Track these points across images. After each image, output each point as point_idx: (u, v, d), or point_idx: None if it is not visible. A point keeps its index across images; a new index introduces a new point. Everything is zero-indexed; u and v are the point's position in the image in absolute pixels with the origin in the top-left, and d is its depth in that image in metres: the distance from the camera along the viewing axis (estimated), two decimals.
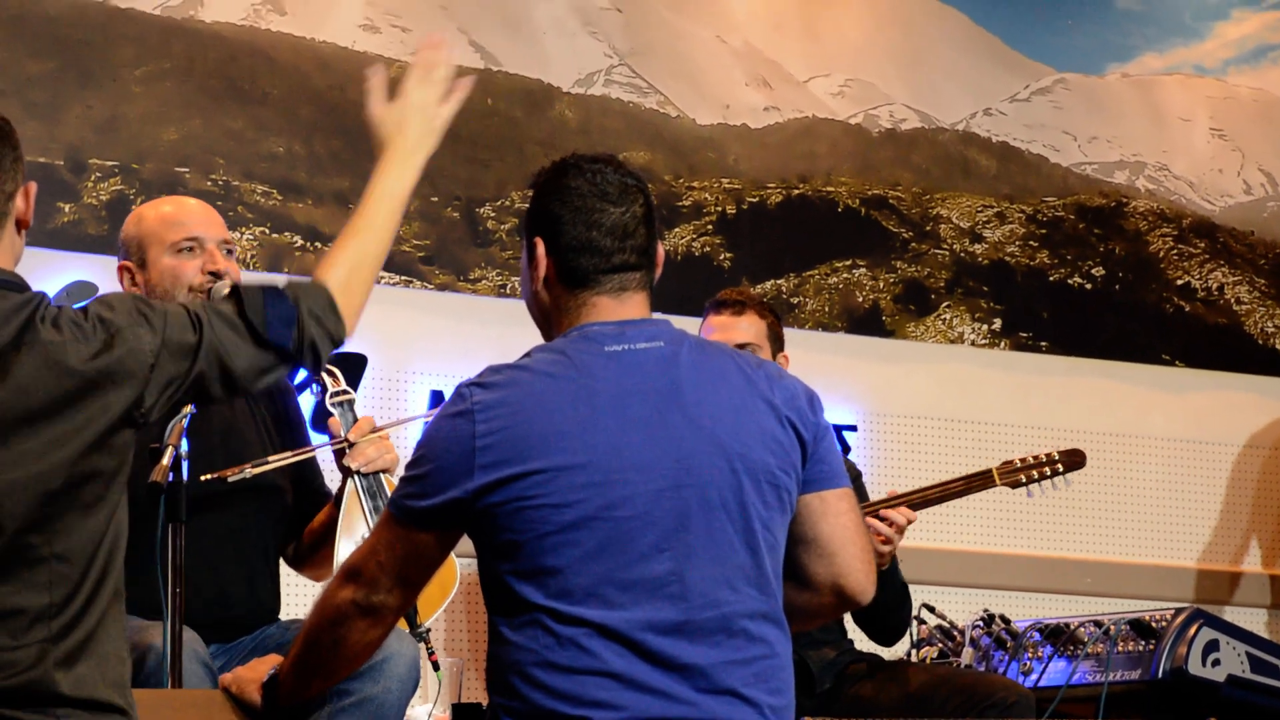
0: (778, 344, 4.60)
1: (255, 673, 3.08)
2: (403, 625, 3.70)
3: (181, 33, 5.29)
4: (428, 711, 4.17)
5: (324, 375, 3.91)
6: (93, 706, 2.58)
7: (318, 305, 2.79)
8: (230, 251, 3.88)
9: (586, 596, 2.66)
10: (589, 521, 2.67)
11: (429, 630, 3.80)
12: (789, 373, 2.89)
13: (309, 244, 5.33)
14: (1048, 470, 4.69)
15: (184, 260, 3.83)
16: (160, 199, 4.11)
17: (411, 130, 2.98)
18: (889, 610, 4.57)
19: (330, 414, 3.87)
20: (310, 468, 4.00)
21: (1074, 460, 4.71)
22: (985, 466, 4.71)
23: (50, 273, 4.92)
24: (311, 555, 3.99)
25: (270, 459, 3.79)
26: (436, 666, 3.81)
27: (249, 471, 3.72)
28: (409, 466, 2.77)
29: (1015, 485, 4.69)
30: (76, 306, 2.69)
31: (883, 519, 4.38)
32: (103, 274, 4.98)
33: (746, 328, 4.53)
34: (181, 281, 3.81)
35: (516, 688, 2.67)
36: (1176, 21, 6.63)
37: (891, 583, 4.46)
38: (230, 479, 3.71)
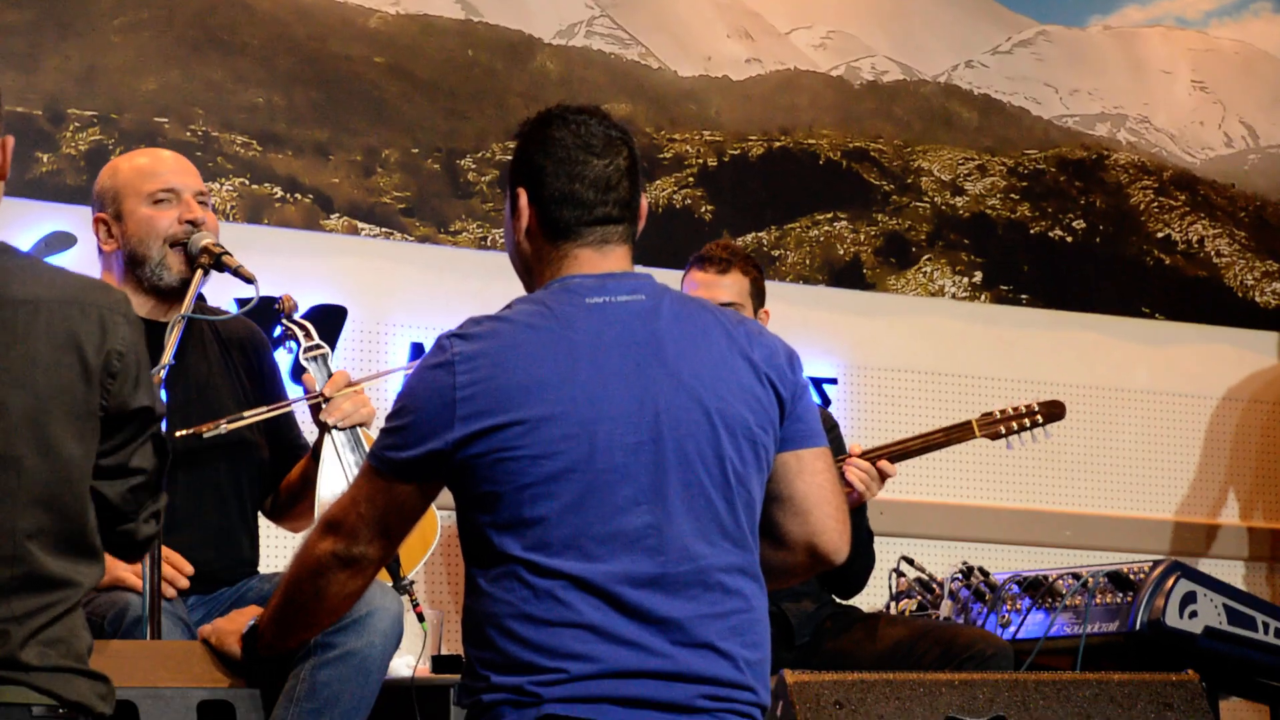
0: (760, 300, 4.59)
1: (235, 624, 3.09)
2: (386, 579, 3.70)
3: None
4: (408, 663, 4.17)
5: (297, 330, 3.90)
6: (62, 670, 2.58)
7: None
8: (205, 202, 3.87)
9: (564, 549, 2.66)
10: (568, 473, 2.67)
11: (413, 583, 3.80)
12: (769, 330, 2.90)
13: (289, 195, 5.32)
14: (1027, 421, 4.70)
15: (160, 210, 3.82)
16: (134, 151, 4.10)
17: None
18: (850, 558, 4.54)
19: (305, 369, 3.87)
20: (286, 422, 3.99)
21: (1053, 411, 4.72)
22: (965, 418, 4.71)
23: (29, 223, 4.90)
24: (289, 508, 3.99)
25: (246, 414, 3.79)
26: (422, 618, 3.82)
27: (224, 427, 3.72)
28: (389, 418, 2.77)
29: (995, 437, 4.70)
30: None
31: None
32: (81, 224, 4.96)
33: (730, 286, 4.52)
34: (157, 232, 3.80)
35: (493, 640, 2.67)
36: None
37: (855, 531, 4.45)
38: (206, 434, 3.70)
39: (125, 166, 3.89)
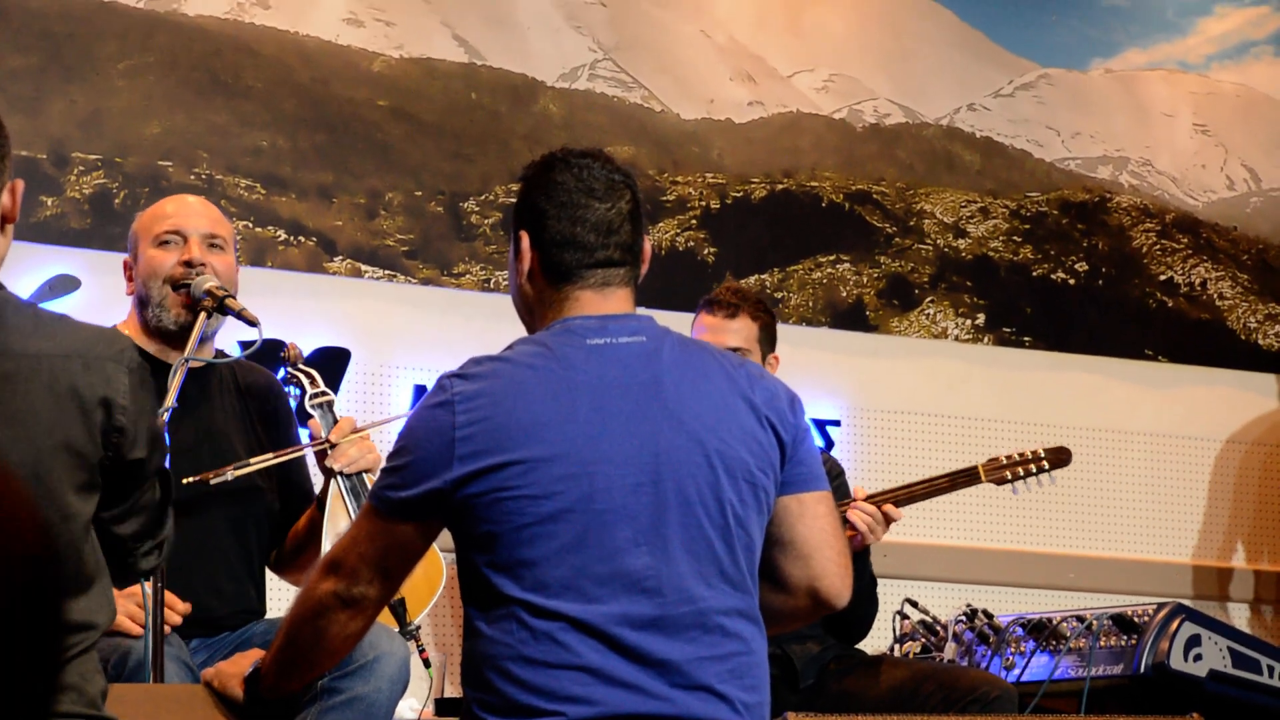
0: (770, 345, 4.58)
1: (237, 667, 3.08)
2: (393, 624, 3.70)
3: (165, 26, 5.28)
4: (411, 706, 4.17)
5: (302, 378, 3.91)
6: (73, 715, 2.57)
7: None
8: (219, 246, 3.87)
9: (563, 590, 2.66)
10: (566, 514, 2.66)
11: (419, 628, 3.79)
12: (770, 374, 2.90)
13: (292, 238, 5.33)
14: (1033, 467, 4.69)
15: (164, 252, 3.83)
16: (167, 197, 4.13)
17: None
18: (853, 604, 4.53)
19: (310, 416, 3.87)
20: (296, 470, 3.98)
21: (1059, 458, 4.72)
22: (969, 461, 4.72)
23: (33, 266, 4.91)
24: (294, 559, 3.96)
25: (252, 461, 3.78)
26: (428, 664, 3.81)
27: (230, 475, 3.71)
28: (390, 457, 2.77)
29: (1001, 482, 4.69)
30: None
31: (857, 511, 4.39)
32: (85, 268, 4.98)
33: (737, 331, 4.51)
34: (158, 273, 3.81)
35: (491, 682, 2.67)
36: (1160, 17, 6.64)
37: (858, 576, 4.45)
38: (212, 482, 3.70)
39: (148, 211, 3.95)
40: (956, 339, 6.11)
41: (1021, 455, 4.71)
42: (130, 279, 3.90)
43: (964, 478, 4.67)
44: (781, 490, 2.82)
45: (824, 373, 5.86)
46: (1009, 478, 4.70)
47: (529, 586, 2.66)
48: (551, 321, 2.82)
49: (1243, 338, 6.49)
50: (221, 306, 3.74)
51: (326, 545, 3.77)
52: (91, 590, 2.61)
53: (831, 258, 6.01)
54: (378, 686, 3.29)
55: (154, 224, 3.87)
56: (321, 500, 3.84)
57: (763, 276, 5.90)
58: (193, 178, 5.20)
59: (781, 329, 5.65)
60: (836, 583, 2.87)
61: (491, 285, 5.50)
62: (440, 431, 2.70)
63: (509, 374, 2.73)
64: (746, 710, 2.71)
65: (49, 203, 5.06)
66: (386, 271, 5.43)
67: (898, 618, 5.16)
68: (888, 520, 4.42)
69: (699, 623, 2.69)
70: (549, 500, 2.66)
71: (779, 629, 2.87)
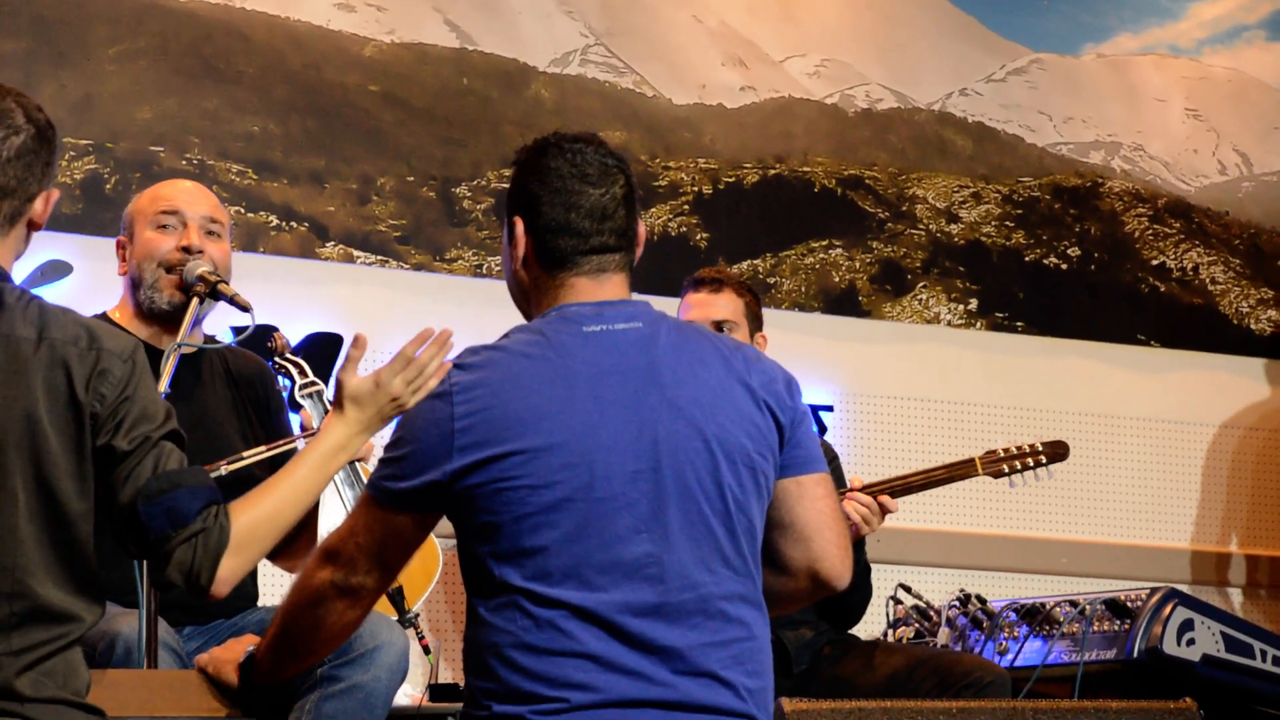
0: (756, 323, 4.60)
1: (231, 653, 3.08)
2: (392, 614, 3.69)
3: (156, 11, 5.26)
4: (406, 693, 4.17)
5: (291, 368, 3.90)
6: (57, 701, 2.58)
7: (209, 547, 2.68)
8: (216, 232, 3.87)
9: (565, 578, 2.66)
10: (567, 503, 2.66)
11: (418, 616, 3.80)
12: (768, 357, 2.89)
13: (284, 223, 5.32)
14: (1030, 461, 4.69)
15: (161, 235, 3.83)
16: (164, 181, 4.12)
17: (367, 411, 2.89)
18: (847, 589, 4.53)
19: (301, 406, 3.87)
20: (287, 459, 3.97)
21: (1057, 452, 4.72)
22: (962, 447, 4.72)
23: (25, 251, 4.89)
24: (288, 548, 3.95)
25: (245, 455, 3.78)
26: (428, 650, 3.82)
27: (224, 469, 3.71)
28: (388, 448, 2.77)
29: (998, 475, 4.69)
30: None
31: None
32: (77, 253, 4.97)
33: (724, 305, 4.53)
34: (154, 256, 3.80)
35: (494, 669, 2.67)
36: (1151, 2, 6.63)
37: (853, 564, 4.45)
38: None
39: (145, 193, 3.95)
40: (949, 324, 6.11)
41: (1019, 449, 4.71)
42: (123, 259, 3.89)
43: (960, 469, 4.67)
44: (780, 473, 2.82)
45: (816, 358, 5.86)
46: (1005, 470, 4.70)
47: (531, 575, 2.66)
48: (547, 308, 2.82)
49: (1235, 323, 6.49)
50: (214, 291, 3.74)
51: (321, 535, 3.77)
52: (79, 583, 2.62)
53: (824, 243, 6.01)
54: (377, 676, 3.29)
55: (152, 205, 3.87)
56: None
57: (755, 262, 5.89)
58: (184, 163, 5.19)
59: (774, 315, 5.66)
60: (836, 564, 2.87)
61: (484, 271, 5.49)
62: (439, 423, 2.70)
63: (506, 364, 2.73)
64: (750, 696, 2.71)
65: None
66: (378, 257, 5.42)
67: (891, 603, 5.16)
68: (884, 511, 4.41)
69: (701, 609, 2.69)
70: (549, 489, 2.66)
71: (780, 611, 2.87)
